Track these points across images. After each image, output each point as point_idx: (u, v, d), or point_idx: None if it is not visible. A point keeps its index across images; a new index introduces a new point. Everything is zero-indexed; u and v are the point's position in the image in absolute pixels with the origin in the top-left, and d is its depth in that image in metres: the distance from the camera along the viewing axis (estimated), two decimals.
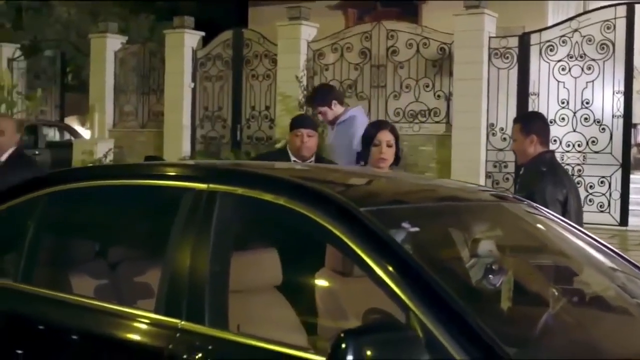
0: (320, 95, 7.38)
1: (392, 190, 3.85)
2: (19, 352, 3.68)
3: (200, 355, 3.08)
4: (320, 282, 4.09)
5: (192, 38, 17.34)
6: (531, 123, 5.71)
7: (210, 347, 3.10)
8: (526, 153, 5.59)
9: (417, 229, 3.24)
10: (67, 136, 20.11)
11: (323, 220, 3.08)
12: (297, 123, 6.50)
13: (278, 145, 13.50)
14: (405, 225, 3.20)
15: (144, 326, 3.35)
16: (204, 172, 3.78)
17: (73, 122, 21.55)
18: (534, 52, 13.93)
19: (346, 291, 3.99)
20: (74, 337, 3.60)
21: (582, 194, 9.48)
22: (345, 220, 3.05)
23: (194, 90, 17.24)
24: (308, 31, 15.91)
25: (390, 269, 2.86)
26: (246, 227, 3.70)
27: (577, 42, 13.64)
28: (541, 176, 5.43)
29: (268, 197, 3.28)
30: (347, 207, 3.11)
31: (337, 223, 3.04)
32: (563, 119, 13.63)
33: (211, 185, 3.41)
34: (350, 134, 6.71)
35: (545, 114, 11.23)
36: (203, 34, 17.53)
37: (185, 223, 3.37)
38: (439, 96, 14.63)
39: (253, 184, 3.40)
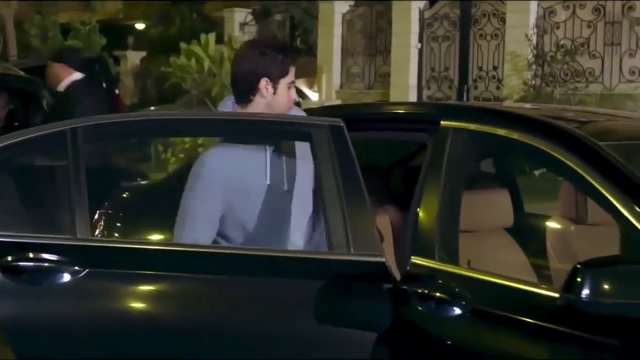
0: None
1: (631, 128, 3.66)
2: None
3: (428, 289, 3.05)
4: (552, 228, 3.96)
5: None
6: None
7: (440, 282, 3.06)
8: None
9: None
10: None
11: (559, 154, 2.97)
12: None
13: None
14: None
15: None
16: (436, 109, 3.74)
17: (301, 85, 21.96)
18: None
19: (579, 239, 3.85)
20: None
21: None
22: (583, 154, 2.93)
23: (420, 51, 17.19)
24: None
25: (634, 204, 2.73)
26: (478, 164, 3.63)
27: None
28: None
29: (501, 132, 3.20)
30: (585, 141, 2.99)
31: (575, 157, 2.92)
32: None
33: (443, 122, 3.37)
34: None
35: None
36: None
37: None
38: None
39: (486, 120, 3.32)
